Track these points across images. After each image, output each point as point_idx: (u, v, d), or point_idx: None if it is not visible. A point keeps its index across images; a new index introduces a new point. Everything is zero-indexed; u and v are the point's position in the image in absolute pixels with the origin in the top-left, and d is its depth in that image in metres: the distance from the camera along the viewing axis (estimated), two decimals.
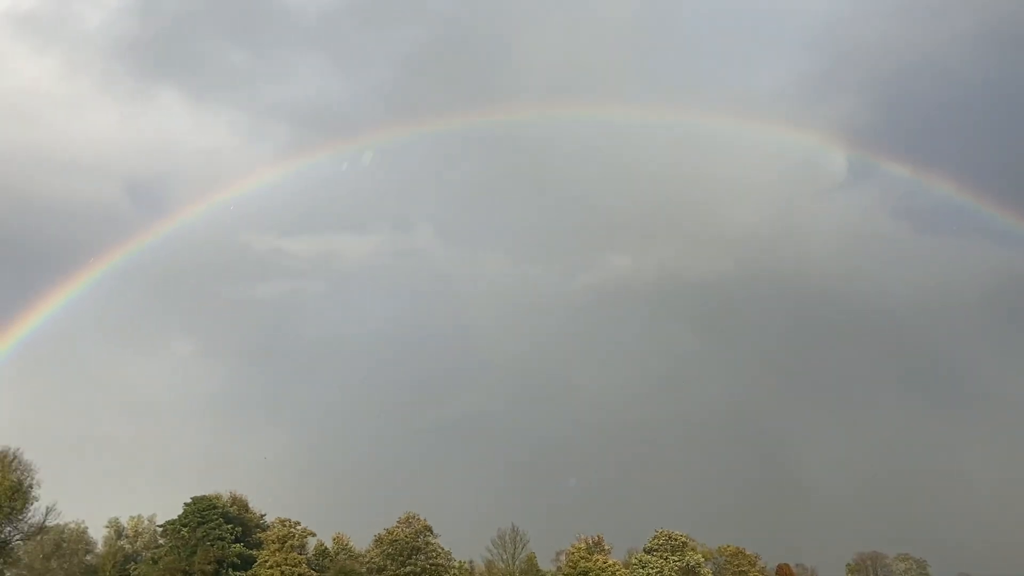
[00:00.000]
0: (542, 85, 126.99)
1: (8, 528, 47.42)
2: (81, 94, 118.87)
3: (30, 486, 47.73)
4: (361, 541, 78.34)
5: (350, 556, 75.50)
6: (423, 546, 73.68)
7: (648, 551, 77.34)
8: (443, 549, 74.97)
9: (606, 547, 78.97)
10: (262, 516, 76.86)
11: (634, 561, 77.49)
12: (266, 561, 69.42)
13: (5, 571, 67.69)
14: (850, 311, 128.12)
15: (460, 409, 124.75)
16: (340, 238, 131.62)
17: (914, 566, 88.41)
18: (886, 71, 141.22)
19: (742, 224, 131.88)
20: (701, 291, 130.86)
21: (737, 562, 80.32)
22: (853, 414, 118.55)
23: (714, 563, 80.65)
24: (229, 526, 70.32)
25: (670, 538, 76.95)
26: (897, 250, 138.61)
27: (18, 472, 47.17)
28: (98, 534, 79.36)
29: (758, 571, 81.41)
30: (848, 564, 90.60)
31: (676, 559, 75.28)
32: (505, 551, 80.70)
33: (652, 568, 75.03)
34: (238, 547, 69.92)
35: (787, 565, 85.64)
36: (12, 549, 52.96)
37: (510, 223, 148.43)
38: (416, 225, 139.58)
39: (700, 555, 77.25)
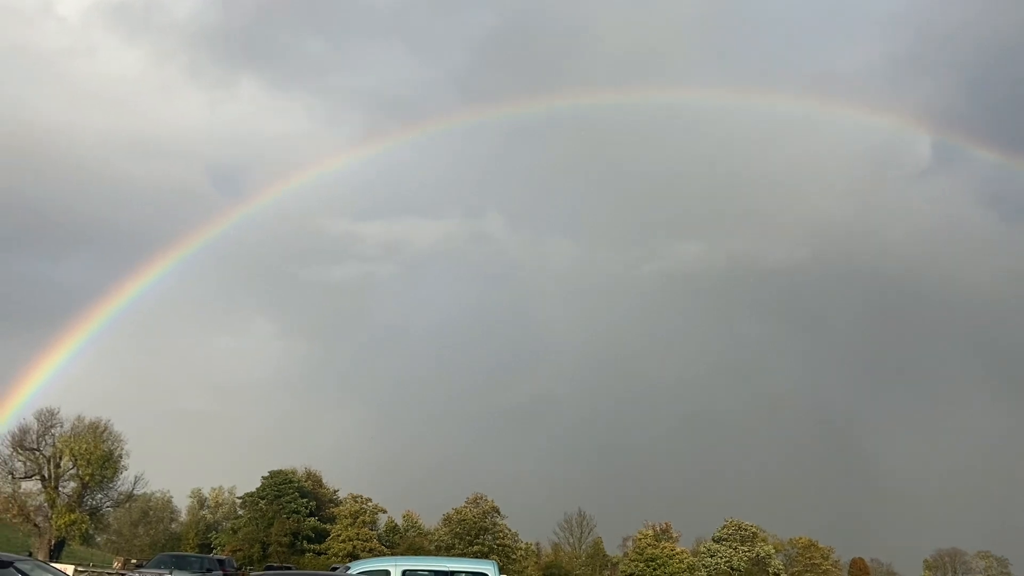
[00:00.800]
0: (614, 69, 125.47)
1: (100, 495, 49.79)
2: (168, 82, 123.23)
3: (120, 456, 49.98)
4: (430, 519, 79.90)
5: (419, 533, 76.98)
6: (490, 526, 74.52)
7: (717, 540, 76.52)
8: (510, 530, 75.75)
9: (674, 535, 78.44)
10: (335, 492, 78.96)
11: (702, 550, 76.78)
12: (339, 535, 71.30)
13: (96, 536, 71.47)
14: (933, 302, 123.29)
15: (528, 393, 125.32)
16: (411, 223, 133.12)
17: (995, 564, 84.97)
18: (974, 52, 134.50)
19: (819, 211, 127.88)
20: (775, 279, 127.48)
21: (809, 555, 78.72)
22: (934, 408, 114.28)
23: (785, 555, 79.25)
24: (304, 500, 72.47)
25: (740, 528, 75.94)
26: (983, 239, 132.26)
27: (109, 442, 49.45)
28: (181, 504, 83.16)
29: (831, 564, 79.60)
30: (926, 560, 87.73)
31: (746, 549, 74.30)
32: (572, 535, 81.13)
33: (721, 558, 74.24)
34: (312, 521, 72.02)
35: (862, 559, 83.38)
36: (103, 515, 55.69)
37: (579, 209, 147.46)
38: (486, 211, 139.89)
39: (771, 546, 76.04)
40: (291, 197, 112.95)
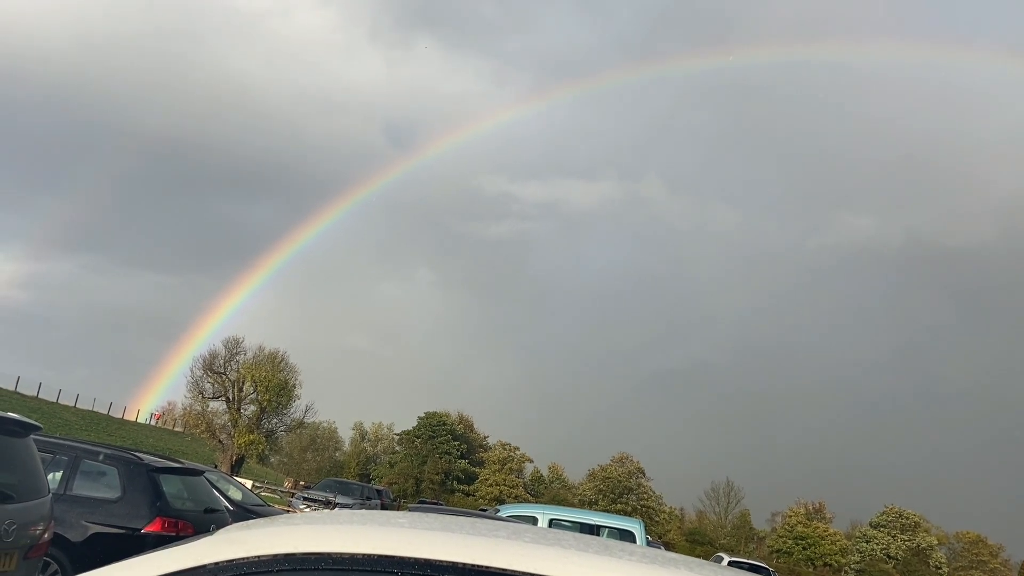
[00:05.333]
0: (789, 29, 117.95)
1: (275, 420, 53.91)
2: (353, 43, 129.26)
3: (294, 385, 53.69)
4: (575, 474, 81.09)
5: (564, 486, 78.37)
6: (635, 487, 74.70)
7: (875, 526, 72.79)
8: (654, 492, 75.65)
9: (827, 515, 75.45)
10: (485, 437, 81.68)
11: (858, 534, 73.37)
12: (487, 479, 73.94)
13: (271, 456, 77.92)
14: None
15: (681, 359, 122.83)
16: (568, 184, 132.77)
17: None
18: None
19: (1011, 188, 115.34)
20: (958, 260, 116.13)
21: (976, 551, 73.32)
22: None
23: (949, 548, 74.31)
24: (456, 443, 75.53)
25: (901, 516, 71.79)
26: None
27: (285, 372, 53.27)
28: (345, 435, 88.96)
29: (1000, 563, 73.87)
30: None
31: (906, 538, 70.25)
32: (718, 503, 79.82)
33: (877, 544, 70.63)
34: (463, 463, 75.03)
35: None
36: (277, 438, 60.37)
37: (742, 175, 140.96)
38: (645, 174, 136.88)
39: (934, 538, 71.50)
40: (455, 155, 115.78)
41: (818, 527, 71.76)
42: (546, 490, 76.09)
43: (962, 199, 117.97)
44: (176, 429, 77.57)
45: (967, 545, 74.02)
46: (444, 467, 72.79)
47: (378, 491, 42.66)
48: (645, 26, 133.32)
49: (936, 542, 71.44)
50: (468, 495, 71.65)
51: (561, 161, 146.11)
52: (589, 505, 69.96)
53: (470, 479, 74.83)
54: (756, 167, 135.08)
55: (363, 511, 3.05)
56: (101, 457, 9.57)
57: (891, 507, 72.76)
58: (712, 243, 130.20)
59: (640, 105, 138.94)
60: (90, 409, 69.79)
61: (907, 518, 71.57)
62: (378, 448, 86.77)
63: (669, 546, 49.54)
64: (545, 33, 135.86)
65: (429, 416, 76.75)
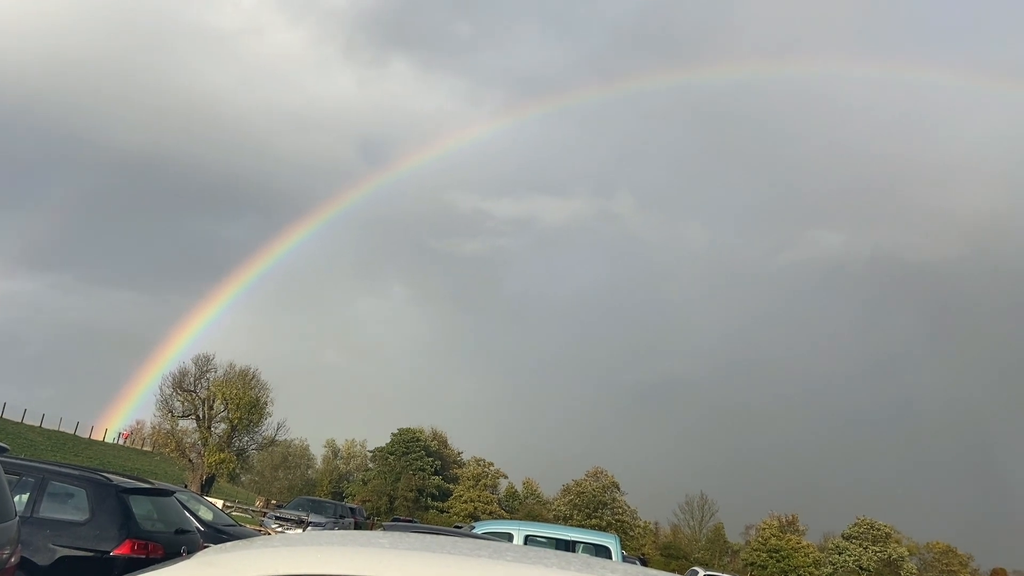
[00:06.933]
0: (756, 49, 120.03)
1: (246, 438, 53.14)
2: (326, 61, 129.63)
3: (265, 403, 53.04)
4: (549, 489, 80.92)
5: (538, 502, 78.15)
6: (609, 501, 74.67)
7: (847, 538, 73.39)
8: (629, 507, 75.66)
9: (800, 528, 75.94)
10: (459, 453, 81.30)
11: (830, 546, 73.92)
12: (461, 496, 73.52)
13: (241, 475, 76.83)
14: None
15: (655, 374, 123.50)
16: (541, 201, 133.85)
17: None
18: None
19: (977, 205, 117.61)
20: (925, 276, 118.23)
21: (946, 560, 74.24)
22: None
23: (920, 559, 75.12)
24: (430, 459, 75.09)
25: (872, 527, 72.48)
26: None
27: (256, 389, 52.61)
28: (317, 452, 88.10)
29: (970, 573, 74.85)
30: None
31: (877, 550, 70.91)
32: (692, 517, 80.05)
33: (849, 556, 71.21)
34: (437, 479, 74.57)
35: (1003, 570, 77.88)
36: (248, 457, 59.54)
37: (712, 192, 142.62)
38: (616, 191, 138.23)
39: (905, 548, 72.24)
40: (428, 173, 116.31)
41: (791, 539, 72.21)
42: (520, 506, 75.83)
43: (927, 216, 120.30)
44: (145, 448, 76.22)
45: (937, 555, 74.93)
46: (418, 484, 72.32)
47: (351, 509, 42.24)
48: (616, 45, 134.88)
49: (907, 553, 72.21)
50: (442, 512, 71.19)
51: (534, 178, 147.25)
52: (564, 520, 69.80)
53: (444, 496, 74.38)
54: (726, 184, 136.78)
55: (341, 532, 3.02)
56: (69, 478, 9.38)
57: (863, 519, 73.47)
58: (684, 259, 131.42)
59: (611, 123, 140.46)
60: (56, 429, 68.38)
61: (879, 529, 72.28)
62: (351, 465, 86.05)
63: (645, 561, 49.52)
64: (518, 52, 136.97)
65: (403, 432, 76.27)
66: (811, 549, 72.65)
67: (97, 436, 73.39)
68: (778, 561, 70.25)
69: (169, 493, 11.15)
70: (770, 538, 72.05)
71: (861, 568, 70.42)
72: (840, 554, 71.71)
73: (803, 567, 70.26)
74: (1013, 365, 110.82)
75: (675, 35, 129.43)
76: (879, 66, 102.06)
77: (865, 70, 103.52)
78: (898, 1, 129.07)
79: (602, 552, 15.45)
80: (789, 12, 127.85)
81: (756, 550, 72.34)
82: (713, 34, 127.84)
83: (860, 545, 71.65)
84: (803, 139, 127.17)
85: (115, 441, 76.85)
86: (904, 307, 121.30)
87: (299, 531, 29.68)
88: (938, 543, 75.75)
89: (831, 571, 71.16)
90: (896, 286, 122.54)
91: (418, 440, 75.77)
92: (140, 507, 9.50)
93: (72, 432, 70.29)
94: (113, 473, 10.56)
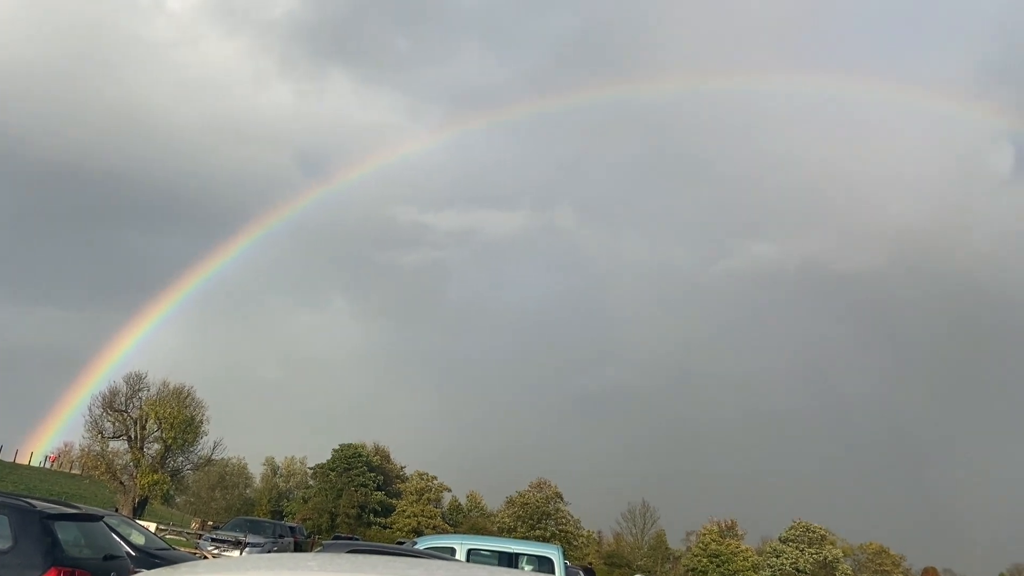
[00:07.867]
0: (692, 65, 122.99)
1: (181, 458, 51.64)
2: (262, 74, 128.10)
3: (201, 422, 51.63)
4: (493, 501, 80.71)
5: (482, 515, 77.83)
6: (553, 512, 74.83)
7: (784, 541, 75.04)
8: (573, 517, 75.92)
9: (739, 532, 77.37)
10: (402, 468, 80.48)
11: (768, 549, 75.47)
12: (404, 511, 72.76)
13: (176, 496, 74.64)
14: (1012, 310, 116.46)
15: (598, 384, 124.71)
16: (482, 214, 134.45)
17: None
18: None
19: (899, 217, 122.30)
20: (851, 284, 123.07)
21: (880, 561, 76.53)
22: (1012, 419, 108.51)
23: (854, 560, 77.23)
24: (372, 474, 74.14)
25: (808, 529, 74.29)
26: None
27: (191, 408, 51.21)
28: (256, 471, 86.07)
29: (902, 572, 77.23)
30: (1002, 574, 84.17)
31: (813, 552, 72.68)
32: (634, 525, 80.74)
33: (786, 558, 72.81)
34: (379, 495, 73.65)
35: (934, 569, 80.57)
36: (183, 477, 57.88)
37: (651, 205, 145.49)
38: (558, 203, 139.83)
39: (839, 550, 74.20)
40: (368, 186, 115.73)
41: (731, 544, 73.50)
42: (464, 519, 75.42)
43: (855, 227, 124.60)
44: (73, 472, 73.37)
45: (871, 556, 77.20)
46: (360, 500, 71.33)
47: (291, 528, 41.49)
48: (556, 60, 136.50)
49: (842, 554, 74.17)
50: (385, 528, 70.32)
51: (476, 191, 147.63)
52: (508, 533, 69.70)
53: (387, 511, 73.52)
54: (664, 195, 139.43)
55: (274, 555, 2.98)
56: None
57: (799, 521, 75.25)
58: (625, 270, 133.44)
59: (552, 137, 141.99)
60: None
61: (814, 532, 74.10)
62: (291, 483, 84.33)
63: (589, 571, 49.72)
64: (458, 66, 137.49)
65: (344, 448, 75.19)
66: (750, 553, 74.06)
67: (22, 460, 70.54)
68: (718, 566, 71.38)
69: (97, 518, 10.80)
70: (710, 543, 73.20)
71: (798, 570, 72.07)
72: (778, 557, 73.28)
73: (743, 571, 71.54)
74: (936, 370, 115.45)
75: (613, 51, 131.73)
76: (811, 81, 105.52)
77: (796, 84, 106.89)
78: (829, 17, 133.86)
79: (545, 563, 15.48)
80: (724, 28, 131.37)
81: (697, 556, 73.38)
82: (650, 50, 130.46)
83: (797, 548, 73.33)
84: (737, 151, 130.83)
85: (42, 464, 73.91)
86: (833, 315, 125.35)
87: (236, 553, 29.00)
88: (872, 544, 78.10)
89: (769, 574, 72.66)
90: (824, 296, 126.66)
91: (360, 455, 74.79)
92: (66, 533, 9.18)
93: None
94: (37, 498, 10.19)
